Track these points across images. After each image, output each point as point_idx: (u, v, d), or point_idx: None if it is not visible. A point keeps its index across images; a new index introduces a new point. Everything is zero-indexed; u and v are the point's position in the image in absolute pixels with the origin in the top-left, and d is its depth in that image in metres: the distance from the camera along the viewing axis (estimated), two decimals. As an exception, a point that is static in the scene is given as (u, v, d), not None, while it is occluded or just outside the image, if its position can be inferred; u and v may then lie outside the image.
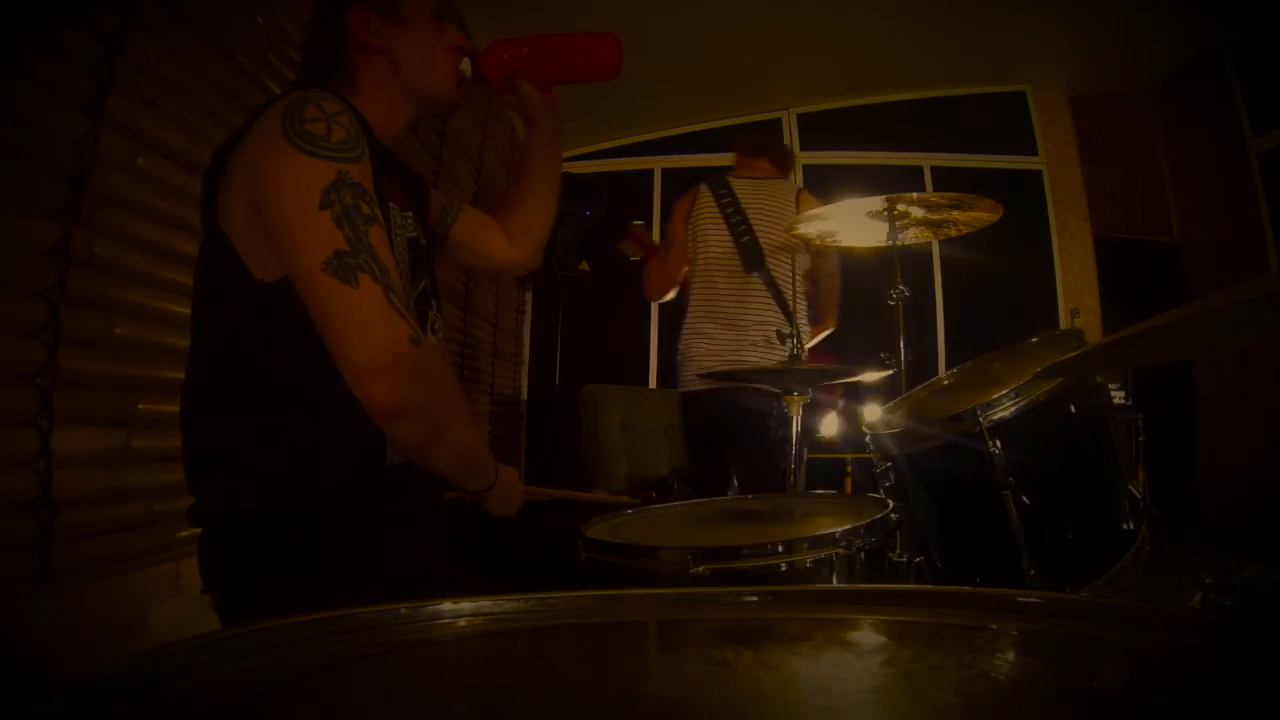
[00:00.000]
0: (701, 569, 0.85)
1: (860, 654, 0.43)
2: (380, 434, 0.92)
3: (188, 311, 1.56)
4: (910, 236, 1.98)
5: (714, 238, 2.45)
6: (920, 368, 1.95)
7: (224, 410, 0.92)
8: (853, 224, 1.95)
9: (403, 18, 1.03)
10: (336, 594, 0.86)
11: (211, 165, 0.93)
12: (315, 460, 0.92)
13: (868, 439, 1.37)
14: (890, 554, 1.08)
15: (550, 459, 3.84)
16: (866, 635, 0.49)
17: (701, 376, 2.30)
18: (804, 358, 1.79)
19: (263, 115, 0.88)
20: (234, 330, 0.92)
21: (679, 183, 4.60)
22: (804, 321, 2.36)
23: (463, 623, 0.51)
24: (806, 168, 4.52)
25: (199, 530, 0.94)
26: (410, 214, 1.05)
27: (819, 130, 4.55)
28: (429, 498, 1.06)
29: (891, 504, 1.10)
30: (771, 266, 2.38)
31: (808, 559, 0.88)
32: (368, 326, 0.82)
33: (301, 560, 0.89)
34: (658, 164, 4.57)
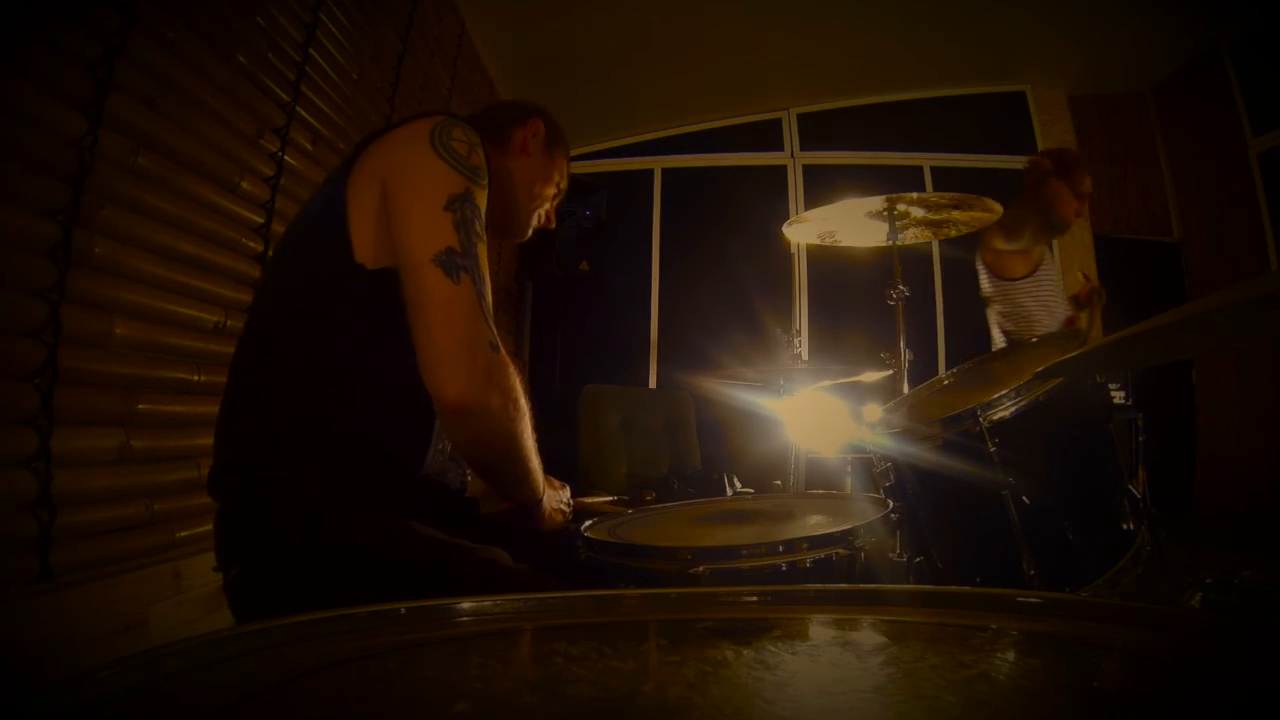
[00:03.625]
0: (701, 569, 0.85)
1: (860, 654, 0.43)
2: (422, 439, 0.98)
3: (188, 311, 1.57)
4: (910, 236, 1.98)
5: None
6: (920, 368, 1.94)
7: (280, 384, 0.95)
8: (853, 224, 1.95)
9: (550, 149, 1.21)
10: (350, 585, 0.86)
11: (355, 150, 1.00)
12: (356, 449, 0.94)
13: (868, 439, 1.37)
14: (890, 554, 1.08)
15: (550, 459, 3.83)
16: (866, 635, 0.49)
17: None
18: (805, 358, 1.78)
19: (413, 121, 0.98)
20: (317, 306, 0.96)
21: (679, 183, 4.61)
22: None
23: (462, 622, 0.51)
24: (806, 168, 4.52)
25: (214, 510, 0.96)
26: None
27: (819, 130, 4.55)
28: (458, 508, 1.08)
29: (891, 504, 1.10)
30: None
31: (808, 559, 0.88)
32: (457, 320, 0.88)
33: (324, 548, 0.89)
34: (658, 164, 4.57)
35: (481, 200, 0.95)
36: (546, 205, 1.25)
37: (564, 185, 1.27)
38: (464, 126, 0.98)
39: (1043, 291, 2.49)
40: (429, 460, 1.01)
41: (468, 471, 1.11)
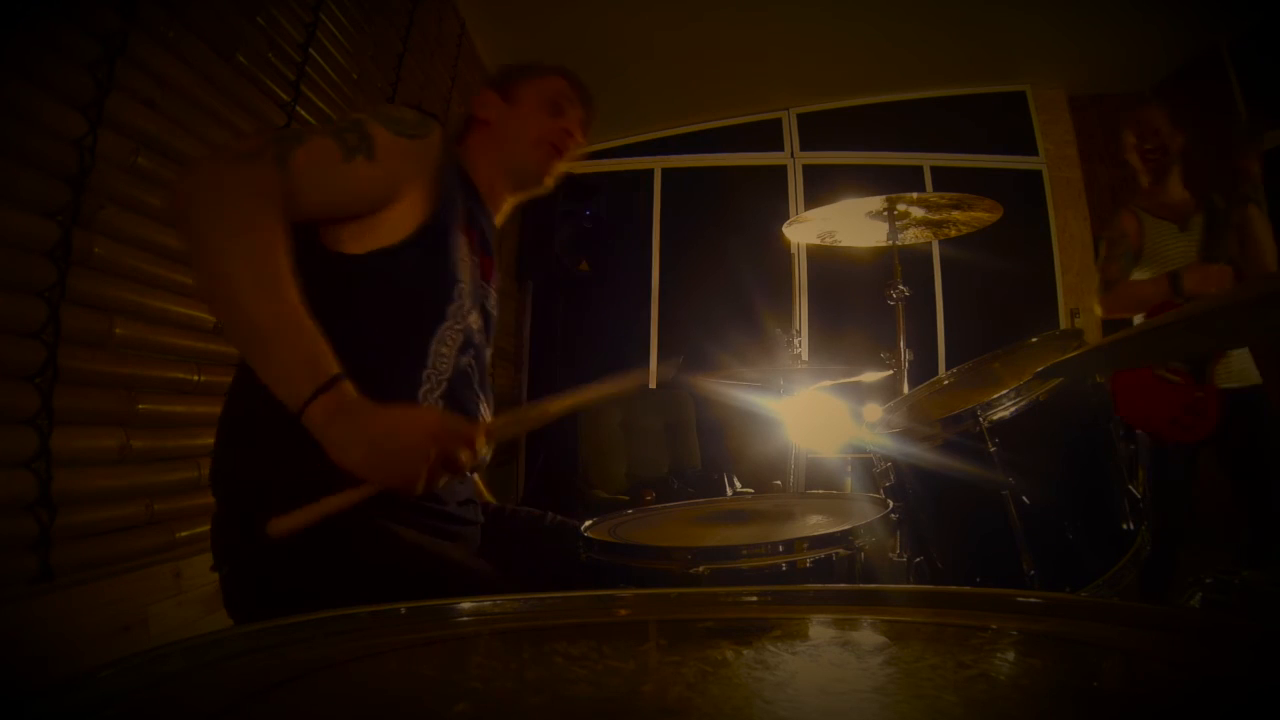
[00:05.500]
0: (701, 569, 0.85)
1: (860, 654, 0.43)
2: None
3: (188, 311, 1.57)
4: (910, 236, 1.98)
5: None
6: (920, 368, 1.94)
7: (252, 378, 0.92)
8: (853, 224, 1.95)
9: (517, 101, 1.18)
10: (347, 583, 0.86)
11: None
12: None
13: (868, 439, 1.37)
14: (890, 554, 1.08)
15: (550, 460, 3.84)
16: (866, 635, 0.49)
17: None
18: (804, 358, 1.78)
19: None
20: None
21: (679, 183, 4.61)
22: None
23: (463, 622, 0.51)
24: (806, 168, 4.52)
25: (210, 511, 0.95)
26: (477, 260, 1.11)
27: (819, 130, 4.54)
28: (443, 504, 1.04)
29: (891, 504, 1.10)
30: None
31: (808, 559, 0.88)
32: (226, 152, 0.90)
33: (317, 546, 0.89)
34: (658, 164, 4.57)
35: (381, 133, 0.94)
36: (553, 136, 1.17)
37: (569, 105, 1.19)
38: (415, 108, 1.03)
39: None
40: None
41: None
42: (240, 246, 0.79)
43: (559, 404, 1.00)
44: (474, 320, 1.08)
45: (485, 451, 0.90)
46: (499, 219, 1.22)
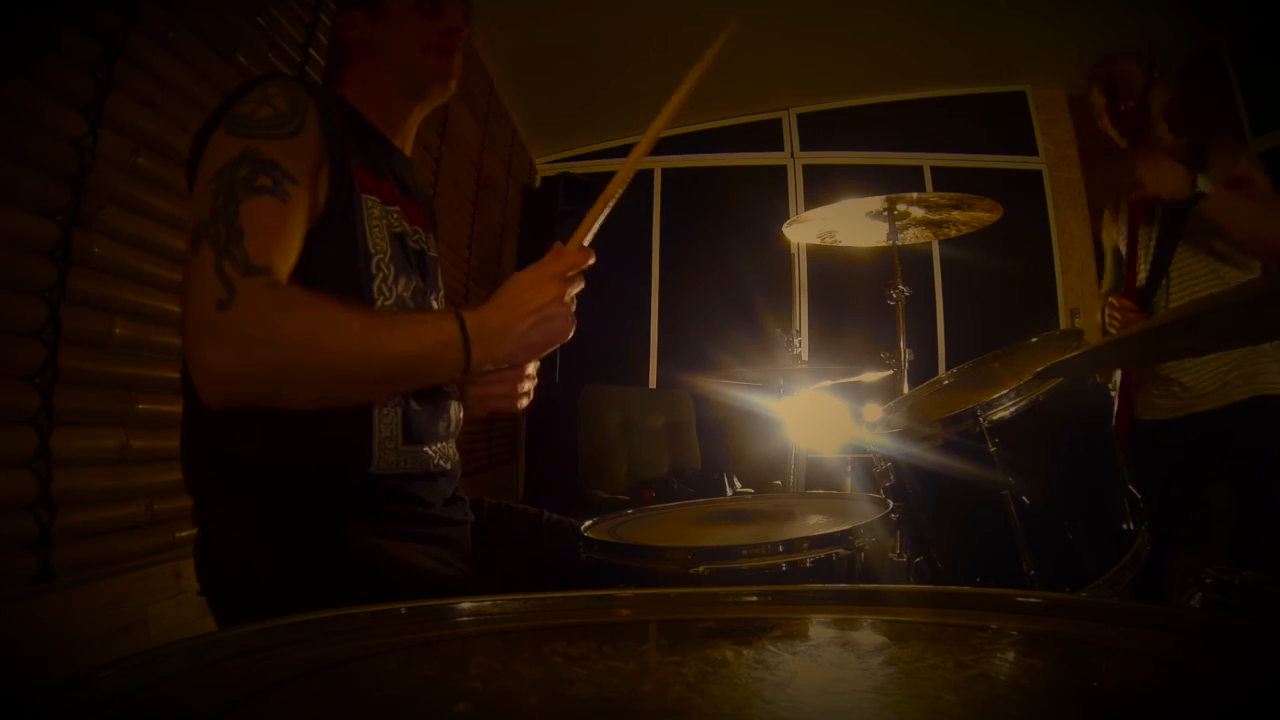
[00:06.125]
0: (701, 569, 0.85)
1: (860, 654, 0.43)
2: (360, 432, 0.91)
3: (188, 311, 1.56)
4: (910, 236, 1.98)
5: None
6: (920, 368, 1.94)
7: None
8: (853, 224, 1.95)
9: (384, 11, 1.05)
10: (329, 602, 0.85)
11: (191, 150, 0.94)
12: (290, 452, 0.90)
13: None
14: (890, 554, 1.08)
15: (550, 460, 3.84)
16: (866, 635, 0.49)
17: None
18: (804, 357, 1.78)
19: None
20: None
21: (679, 183, 4.61)
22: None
23: (463, 622, 0.51)
24: (806, 168, 4.52)
25: (196, 531, 0.94)
26: (397, 208, 1.03)
27: (819, 130, 4.55)
28: (428, 507, 1.01)
29: (891, 504, 1.10)
30: None
31: (808, 559, 0.88)
32: (189, 295, 0.79)
33: (294, 567, 0.88)
34: (658, 164, 4.57)
35: (281, 149, 0.86)
36: (438, 40, 1.05)
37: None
38: (264, 84, 0.92)
39: None
40: (377, 456, 0.92)
41: (450, 464, 1.05)
42: (321, 341, 0.81)
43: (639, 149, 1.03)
44: (404, 284, 1.00)
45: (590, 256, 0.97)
46: (408, 143, 1.12)
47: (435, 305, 1.10)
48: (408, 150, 1.13)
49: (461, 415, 1.11)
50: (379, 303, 0.95)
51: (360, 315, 0.85)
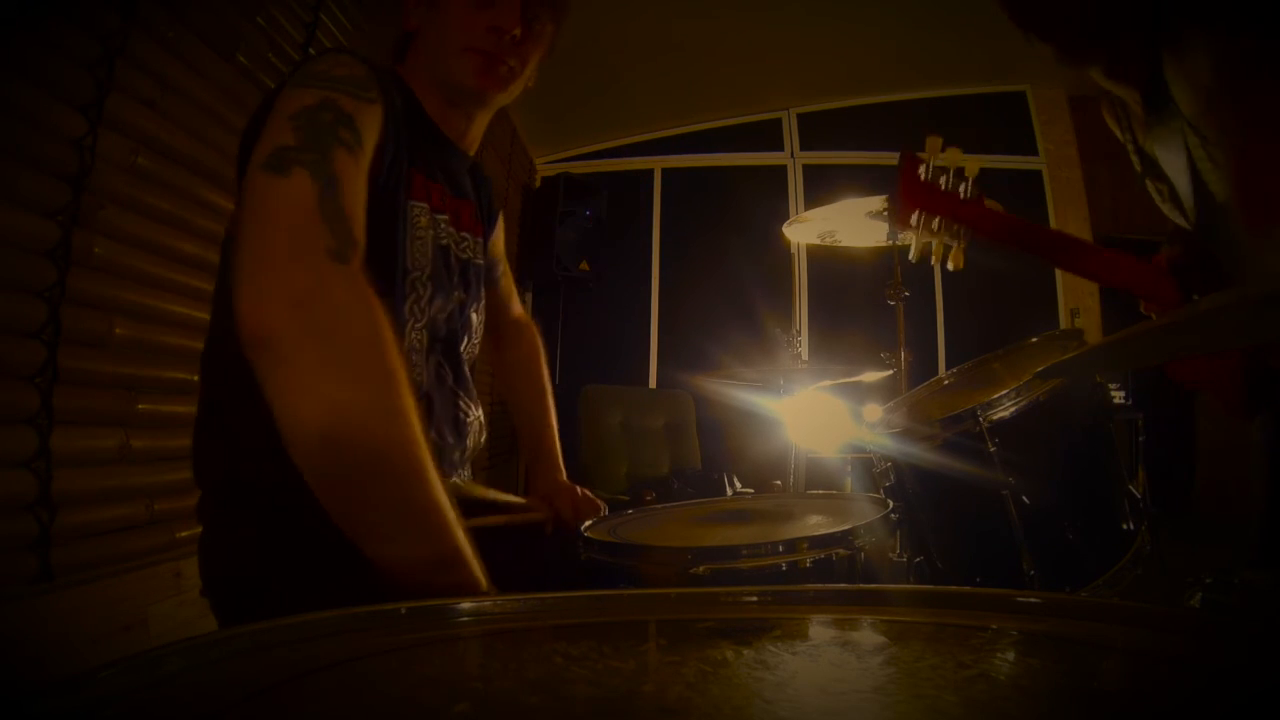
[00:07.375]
0: (701, 569, 0.85)
1: (860, 654, 0.43)
2: None
3: (188, 311, 1.57)
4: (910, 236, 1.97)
5: None
6: (920, 368, 1.94)
7: (224, 389, 0.90)
8: (853, 224, 1.95)
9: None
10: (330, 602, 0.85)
11: (244, 134, 0.85)
12: (268, 439, 0.87)
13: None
14: (890, 554, 1.08)
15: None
16: (866, 635, 0.49)
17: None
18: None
19: None
20: (222, 281, 0.90)
21: (679, 183, 4.61)
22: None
23: (463, 622, 0.51)
24: (806, 168, 4.52)
25: (200, 530, 0.94)
26: (446, 216, 0.98)
27: (819, 130, 4.55)
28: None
29: (891, 504, 1.10)
30: None
31: (808, 559, 0.88)
32: (274, 219, 0.64)
33: (299, 567, 0.88)
34: (658, 164, 4.57)
35: (360, 109, 0.77)
36: (479, 40, 0.94)
37: None
38: (334, 52, 0.83)
39: None
40: None
41: (457, 458, 1.03)
42: (360, 399, 0.63)
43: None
44: (440, 305, 0.95)
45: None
46: (473, 140, 1.04)
47: (475, 317, 1.06)
48: (473, 148, 1.05)
49: (483, 439, 1.09)
50: (408, 324, 0.92)
51: (415, 436, 0.65)
